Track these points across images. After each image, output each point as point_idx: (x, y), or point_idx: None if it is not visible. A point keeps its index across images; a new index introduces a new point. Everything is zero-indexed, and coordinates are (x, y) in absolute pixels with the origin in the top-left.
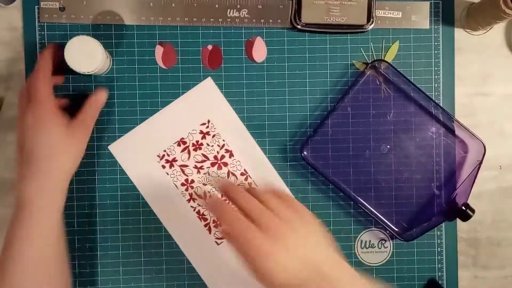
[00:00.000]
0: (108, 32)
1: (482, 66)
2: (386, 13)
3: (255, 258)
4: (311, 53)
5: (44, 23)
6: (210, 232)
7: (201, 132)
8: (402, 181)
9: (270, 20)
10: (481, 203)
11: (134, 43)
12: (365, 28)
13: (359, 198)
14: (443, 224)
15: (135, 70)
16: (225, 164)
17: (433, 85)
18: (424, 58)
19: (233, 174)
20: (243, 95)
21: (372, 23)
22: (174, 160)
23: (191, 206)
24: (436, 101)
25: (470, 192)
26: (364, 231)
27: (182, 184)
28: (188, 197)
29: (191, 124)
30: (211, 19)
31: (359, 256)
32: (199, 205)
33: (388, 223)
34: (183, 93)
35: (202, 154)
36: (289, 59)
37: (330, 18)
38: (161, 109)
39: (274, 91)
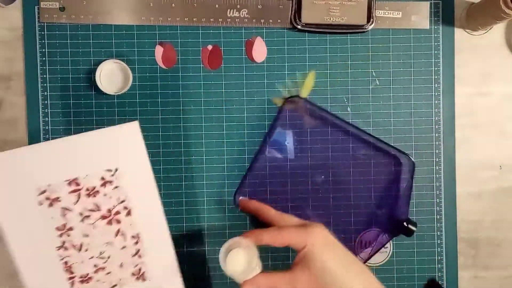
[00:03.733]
0: (108, 32)
1: (482, 66)
2: (386, 13)
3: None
4: (311, 53)
5: (44, 23)
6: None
7: (103, 178)
8: (342, 207)
9: (270, 20)
10: (481, 203)
11: (134, 43)
12: (365, 28)
13: None
14: (443, 224)
15: (135, 70)
16: (118, 221)
17: (433, 85)
18: (424, 58)
19: (123, 234)
20: (243, 95)
21: (372, 23)
22: (57, 199)
23: (59, 255)
24: (436, 101)
25: (408, 208)
26: (364, 231)
27: (58, 229)
28: (59, 244)
29: (95, 165)
30: (211, 19)
31: (359, 256)
32: (69, 257)
33: None
34: (183, 93)
35: (95, 203)
36: (289, 59)
37: (330, 18)
38: (160, 109)
39: (274, 91)
